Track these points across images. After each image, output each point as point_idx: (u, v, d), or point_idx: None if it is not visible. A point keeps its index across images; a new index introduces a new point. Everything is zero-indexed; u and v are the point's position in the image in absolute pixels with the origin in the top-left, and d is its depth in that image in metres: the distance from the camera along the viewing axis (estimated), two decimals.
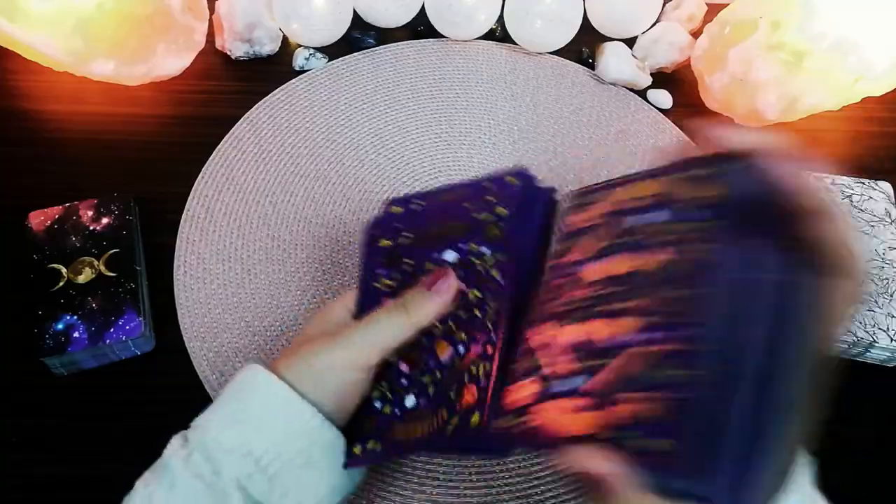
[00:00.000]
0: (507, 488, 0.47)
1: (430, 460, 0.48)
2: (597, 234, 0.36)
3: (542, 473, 0.48)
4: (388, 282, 0.44)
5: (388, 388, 0.40)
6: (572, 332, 0.33)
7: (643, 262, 0.32)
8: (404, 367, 0.40)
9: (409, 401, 0.39)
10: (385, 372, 0.41)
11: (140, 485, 0.36)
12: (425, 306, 0.39)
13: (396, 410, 0.39)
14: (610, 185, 0.38)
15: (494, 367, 0.37)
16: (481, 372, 0.37)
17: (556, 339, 0.34)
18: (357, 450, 0.38)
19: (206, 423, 0.37)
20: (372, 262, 0.45)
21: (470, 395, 0.37)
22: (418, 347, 0.40)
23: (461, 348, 0.39)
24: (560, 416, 0.31)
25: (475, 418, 0.36)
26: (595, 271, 0.34)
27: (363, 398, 0.40)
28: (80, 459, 0.48)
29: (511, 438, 0.34)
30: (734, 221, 0.30)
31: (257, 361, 0.39)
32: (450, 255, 0.43)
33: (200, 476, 0.34)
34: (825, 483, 0.49)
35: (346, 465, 0.38)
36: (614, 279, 0.33)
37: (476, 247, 0.42)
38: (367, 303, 0.43)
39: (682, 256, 0.31)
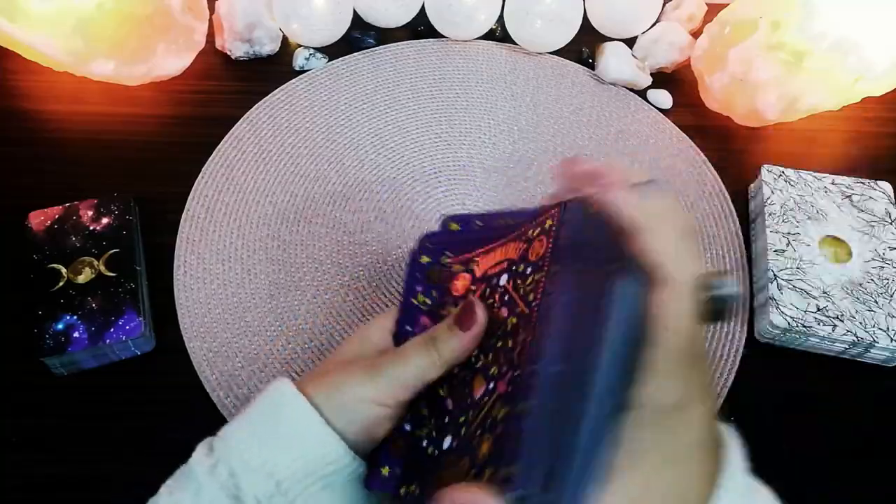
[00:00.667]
0: None
1: None
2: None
3: None
4: (425, 299, 0.42)
5: (433, 425, 0.37)
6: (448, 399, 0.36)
7: (491, 324, 0.36)
8: (450, 405, 0.37)
9: (447, 442, 0.36)
10: (433, 406, 0.38)
11: (164, 491, 0.36)
12: (453, 344, 0.37)
13: (436, 451, 0.36)
14: (474, 251, 0.41)
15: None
16: (500, 417, 0.32)
17: (445, 403, 0.37)
18: (386, 471, 0.37)
19: (232, 436, 0.36)
20: (420, 279, 0.43)
21: (487, 444, 0.32)
22: (461, 382, 0.37)
23: (492, 385, 0.35)
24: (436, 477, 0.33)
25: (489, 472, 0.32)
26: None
27: (389, 429, 0.38)
28: (80, 459, 0.47)
29: None
30: (567, 262, 0.31)
31: (288, 376, 0.38)
32: (503, 279, 0.38)
33: (225, 488, 0.34)
34: (826, 484, 0.49)
35: (369, 485, 0.37)
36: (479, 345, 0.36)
37: (523, 267, 0.37)
38: (410, 322, 0.42)
39: (517, 310, 0.34)
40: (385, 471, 0.37)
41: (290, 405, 0.36)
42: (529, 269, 0.36)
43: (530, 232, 0.39)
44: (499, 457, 0.29)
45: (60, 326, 0.49)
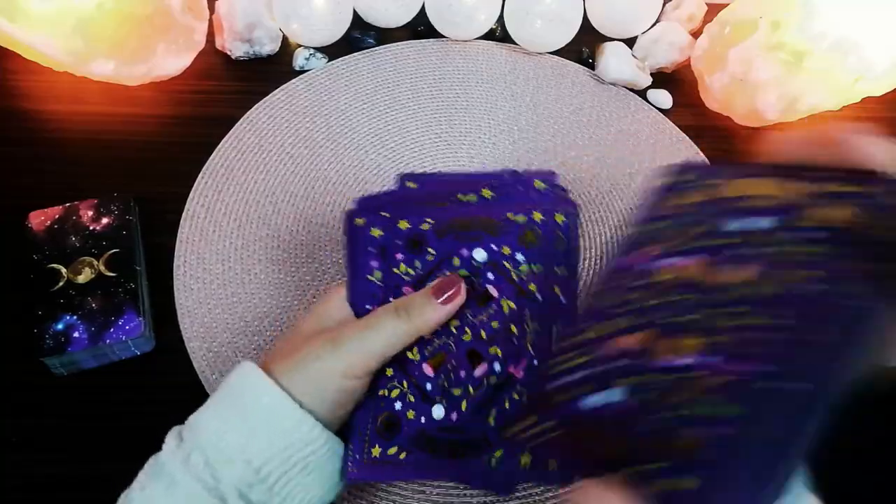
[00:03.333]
0: None
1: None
2: (683, 225, 0.30)
3: None
4: (408, 269, 0.40)
5: (409, 389, 0.37)
6: (624, 338, 0.28)
7: (724, 273, 0.28)
8: (429, 371, 0.37)
9: (437, 411, 0.36)
10: (405, 369, 0.38)
11: (136, 486, 0.36)
12: (428, 314, 0.37)
13: (422, 419, 0.36)
14: (712, 172, 0.32)
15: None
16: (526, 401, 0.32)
17: (603, 341, 0.29)
18: (376, 451, 0.37)
19: (202, 424, 0.37)
20: (392, 248, 0.41)
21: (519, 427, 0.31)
22: (444, 351, 0.37)
23: (497, 366, 0.35)
24: (586, 433, 0.27)
25: (525, 459, 0.32)
26: (668, 270, 0.29)
27: (358, 402, 0.39)
28: (80, 459, 0.48)
29: (524, 447, 0.32)
30: (849, 251, 0.26)
31: (252, 360, 0.38)
32: (480, 255, 0.39)
33: (201, 480, 0.34)
34: (826, 483, 0.49)
35: (343, 475, 0.37)
36: (687, 285, 0.28)
37: (509, 250, 0.38)
38: (366, 292, 0.40)
39: (770, 277, 0.27)
40: (376, 451, 0.37)
41: (258, 389, 0.36)
42: (524, 257, 0.35)
43: (514, 217, 0.38)
44: (675, 458, 0.25)
45: (60, 326, 0.49)
